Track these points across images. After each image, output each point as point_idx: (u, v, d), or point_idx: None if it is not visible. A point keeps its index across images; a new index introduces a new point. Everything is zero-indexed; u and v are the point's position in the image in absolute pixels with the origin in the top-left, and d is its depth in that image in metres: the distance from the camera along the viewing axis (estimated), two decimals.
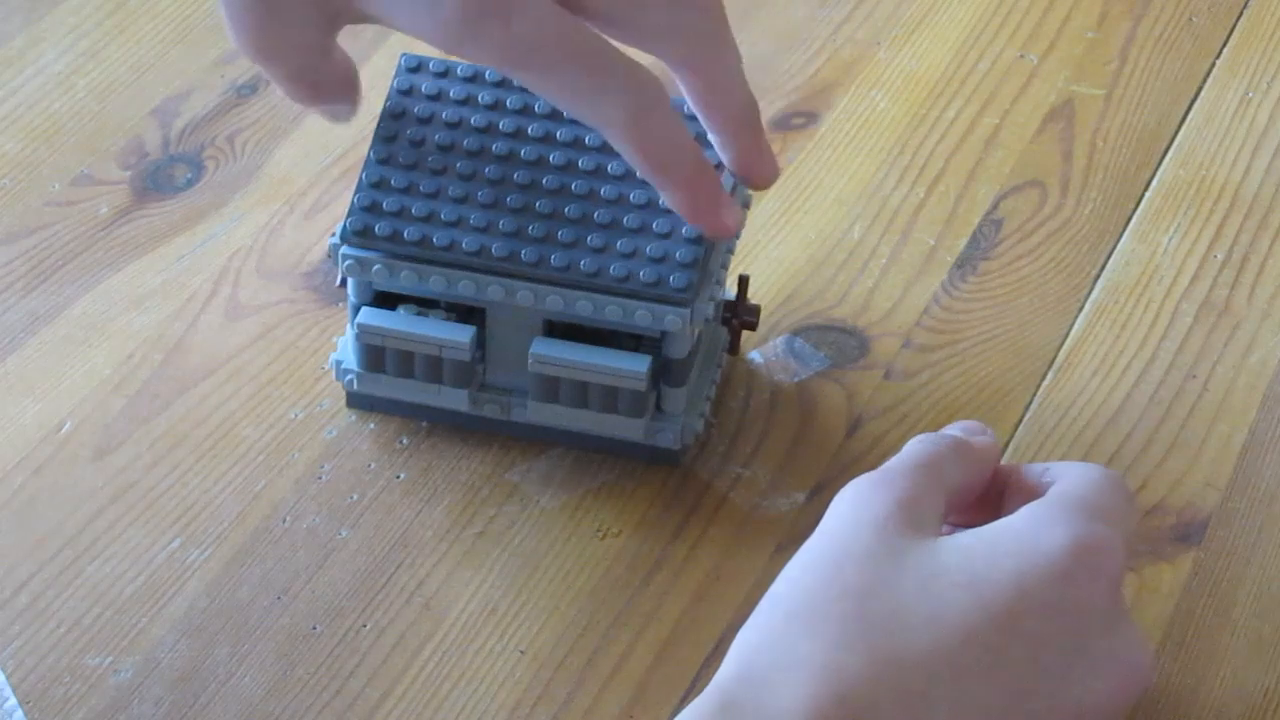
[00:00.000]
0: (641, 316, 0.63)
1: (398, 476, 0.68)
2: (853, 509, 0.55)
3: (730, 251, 0.67)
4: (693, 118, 0.64)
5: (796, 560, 0.55)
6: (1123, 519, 0.57)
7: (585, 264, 0.63)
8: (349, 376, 0.68)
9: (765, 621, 0.53)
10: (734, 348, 0.70)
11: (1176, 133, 0.84)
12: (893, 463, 0.58)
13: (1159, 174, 0.82)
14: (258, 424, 0.69)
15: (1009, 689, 0.52)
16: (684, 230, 0.64)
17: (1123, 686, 0.54)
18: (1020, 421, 0.71)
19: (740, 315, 0.69)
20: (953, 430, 0.61)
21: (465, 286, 0.64)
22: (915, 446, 0.59)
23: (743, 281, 0.68)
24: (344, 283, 0.66)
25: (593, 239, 0.64)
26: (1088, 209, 0.80)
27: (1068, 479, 0.57)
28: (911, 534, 0.54)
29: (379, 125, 0.66)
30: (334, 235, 0.65)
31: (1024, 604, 0.52)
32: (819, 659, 0.51)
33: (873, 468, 0.59)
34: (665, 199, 0.61)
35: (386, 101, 0.66)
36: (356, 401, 0.69)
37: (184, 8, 0.89)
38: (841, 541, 0.54)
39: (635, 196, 0.64)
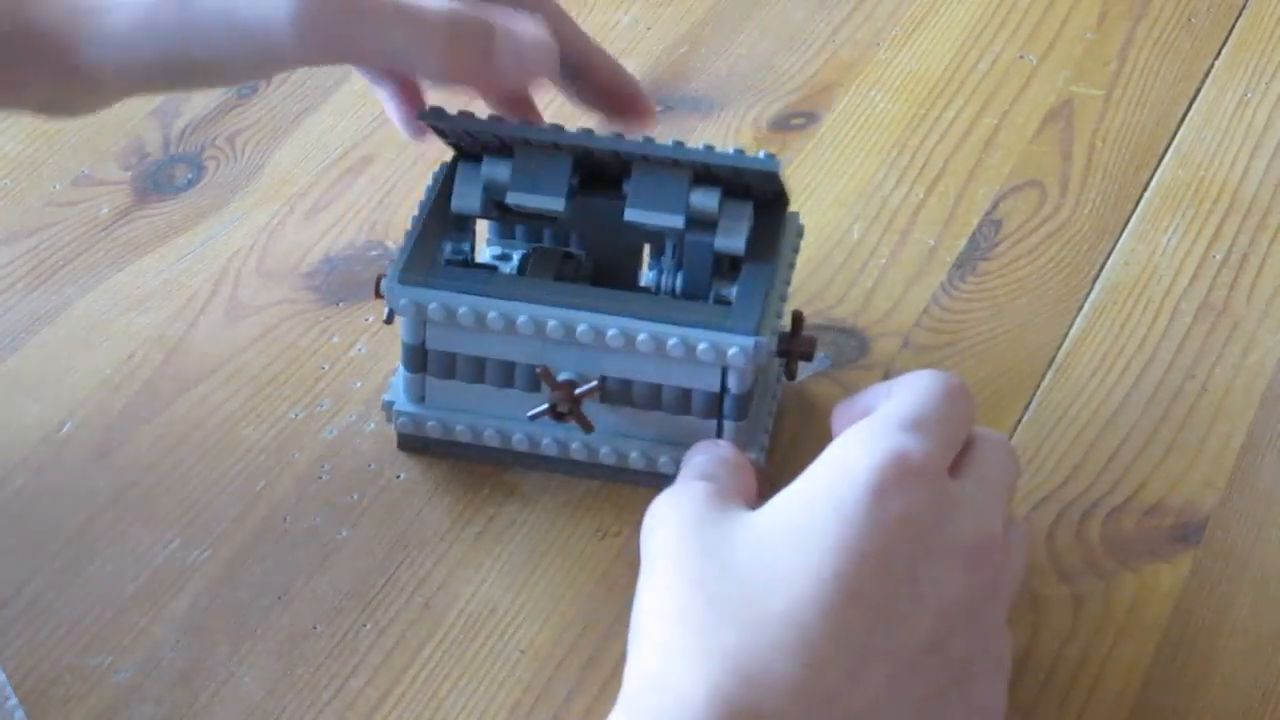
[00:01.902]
0: (705, 352, 0.63)
1: (398, 476, 0.68)
2: (664, 523, 0.56)
3: (787, 284, 0.67)
4: None
5: (642, 586, 0.55)
6: (941, 419, 0.57)
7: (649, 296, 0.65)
8: (402, 418, 0.67)
9: (643, 644, 0.54)
10: (790, 375, 0.69)
11: (1175, 133, 0.84)
12: (679, 478, 0.60)
13: (1158, 174, 0.82)
14: (258, 424, 0.69)
15: (873, 614, 0.53)
16: (744, 275, 0.65)
17: (977, 566, 0.55)
18: (1020, 421, 0.71)
19: (796, 348, 0.67)
20: (696, 455, 0.63)
21: (525, 324, 0.64)
22: (688, 466, 0.62)
23: (797, 317, 0.68)
24: (391, 318, 0.66)
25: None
26: (1087, 209, 0.80)
27: (888, 400, 0.58)
28: (729, 512, 0.56)
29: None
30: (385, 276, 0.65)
31: (851, 531, 0.53)
32: (703, 648, 0.52)
33: None
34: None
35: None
36: (408, 443, 0.68)
37: None
38: (670, 550, 0.55)
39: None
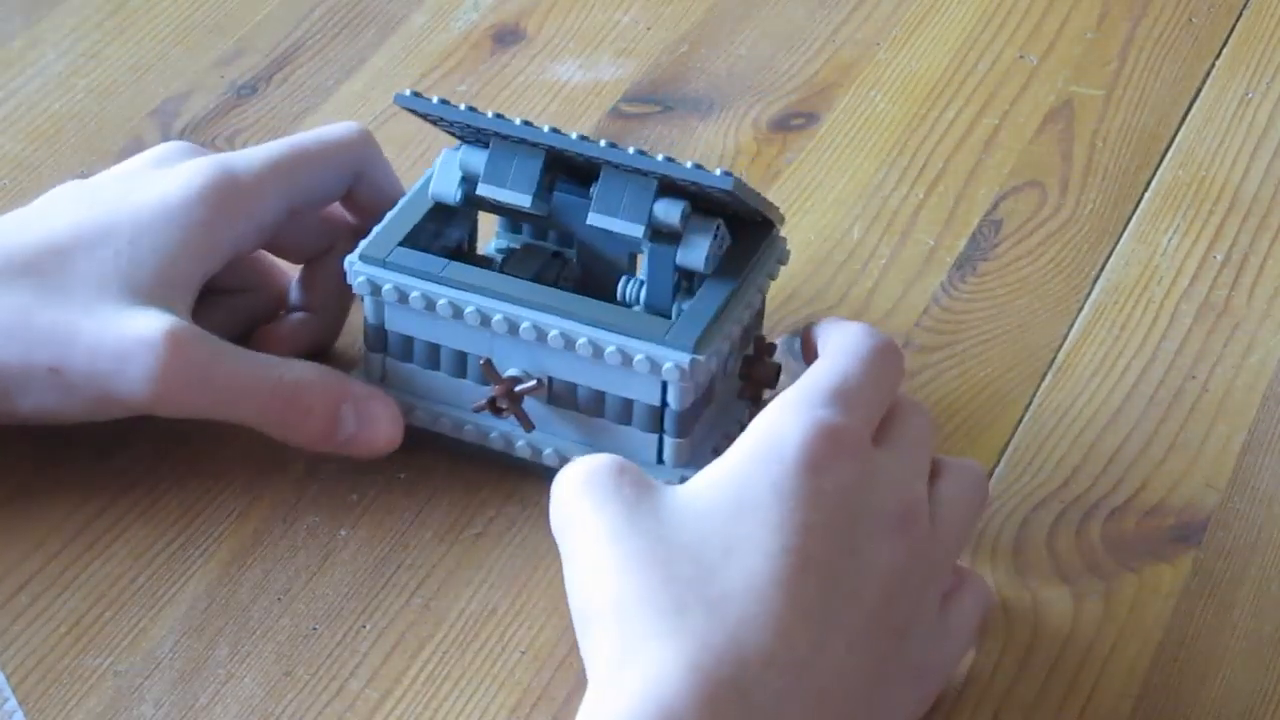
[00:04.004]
0: (641, 363, 0.63)
1: (398, 476, 0.68)
2: (583, 505, 0.56)
3: (752, 307, 0.66)
4: None
5: (578, 573, 0.56)
6: (867, 385, 0.59)
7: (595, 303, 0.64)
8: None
9: (600, 632, 0.54)
10: (754, 400, 0.68)
11: (1176, 133, 0.84)
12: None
13: (1158, 174, 0.82)
14: None
15: (825, 582, 0.54)
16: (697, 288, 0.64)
17: (904, 532, 0.56)
18: (1020, 421, 0.71)
19: (757, 372, 0.67)
20: None
21: (471, 315, 0.64)
22: None
23: (759, 342, 0.67)
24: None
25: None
26: (1087, 209, 0.80)
27: (818, 363, 0.60)
28: (650, 490, 0.56)
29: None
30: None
31: (790, 504, 0.55)
32: (670, 629, 0.52)
33: None
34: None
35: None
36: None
37: (184, 8, 0.89)
38: (600, 533, 0.55)
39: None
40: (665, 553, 0.54)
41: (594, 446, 0.65)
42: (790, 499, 0.55)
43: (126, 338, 0.63)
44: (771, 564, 0.53)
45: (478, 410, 0.65)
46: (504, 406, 0.65)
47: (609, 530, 0.55)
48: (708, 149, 0.82)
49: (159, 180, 0.66)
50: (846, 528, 0.55)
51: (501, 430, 0.66)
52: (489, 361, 0.65)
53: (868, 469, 0.56)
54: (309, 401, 0.65)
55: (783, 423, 0.56)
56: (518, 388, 0.64)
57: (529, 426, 0.65)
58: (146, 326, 0.63)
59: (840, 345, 0.60)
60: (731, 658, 0.52)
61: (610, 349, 0.63)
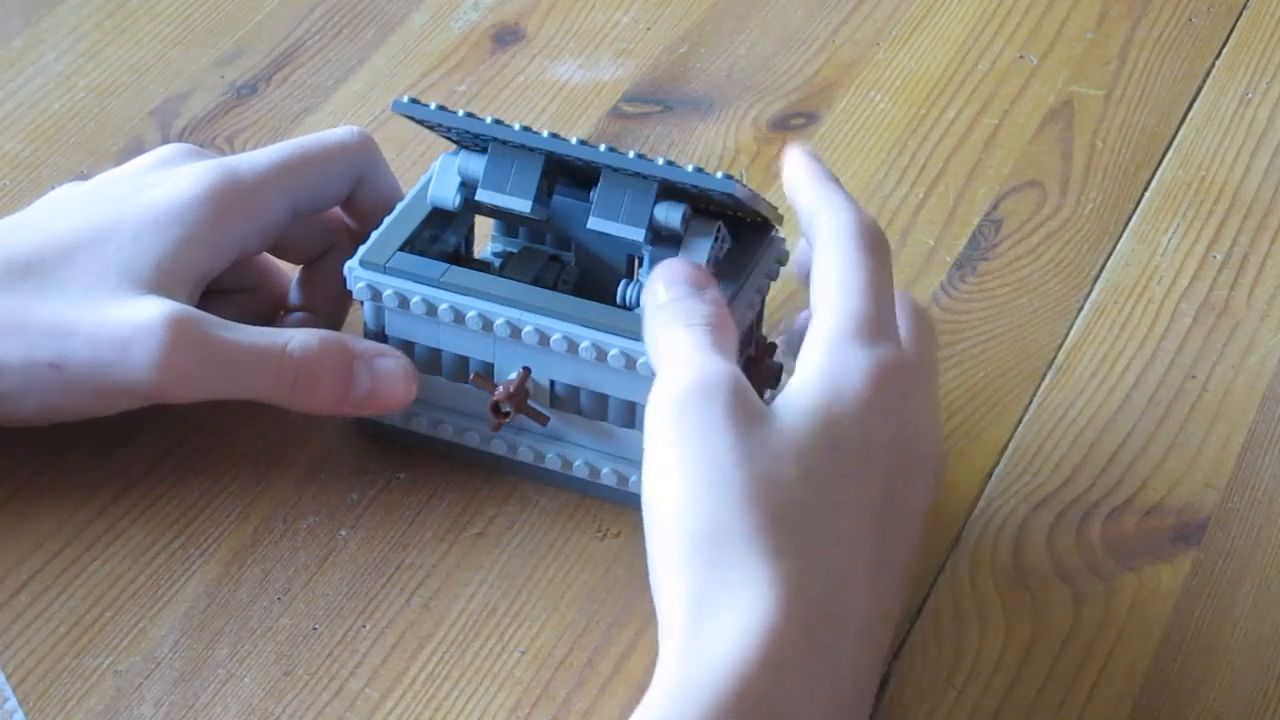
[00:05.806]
0: (645, 365, 0.62)
1: (398, 476, 0.68)
2: (698, 415, 0.56)
3: (753, 308, 0.66)
4: None
5: (676, 496, 0.56)
6: (890, 303, 0.61)
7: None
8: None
9: (688, 562, 0.55)
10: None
11: (1176, 133, 0.84)
12: (669, 323, 0.59)
13: (1158, 174, 0.82)
14: (258, 424, 0.69)
15: (895, 534, 0.58)
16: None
17: (938, 463, 0.61)
18: (1020, 421, 0.71)
19: (758, 375, 0.67)
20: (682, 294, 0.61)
21: (473, 320, 0.64)
22: (678, 305, 0.60)
23: (761, 342, 0.67)
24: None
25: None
26: (1087, 209, 0.80)
27: (850, 293, 0.60)
28: (758, 416, 0.57)
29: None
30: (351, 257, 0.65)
31: (873, 451, 0.57)
32: (762, 579, 0.54)
33: None
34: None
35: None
36: (366, 427, 0.68)
37: (184, 8, 0.89)
38: (707, 456, 0.56)
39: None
40: (768, 489, 0.55)
41: (597, 450, 0.65)
42: (873, 445, 0.57)
43: (126, 324, 0.62)
44: (858, 519, 0.56)
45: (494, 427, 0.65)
46: (507, 411, 0.64)
47: (724, 455, 0.56)
48: (708, 149, 0.82)
49: (163, 181, 0.66)
50: (905, 470, 0.58)
51: (504, 436, 0.66)
52: (479, 374, 0.65)
53: (913, 401, 0.59)
54: (318, 366, 0.64)
55: (850, 359, 0.58)
56: (500, 386, 0.64)
57: (544, 420, 0.65)
58: (145, 312, 0.63)
59: (861, 277, 0.60)
60: (817, 607, 0.54)
61: (614, 352, 0.63)
